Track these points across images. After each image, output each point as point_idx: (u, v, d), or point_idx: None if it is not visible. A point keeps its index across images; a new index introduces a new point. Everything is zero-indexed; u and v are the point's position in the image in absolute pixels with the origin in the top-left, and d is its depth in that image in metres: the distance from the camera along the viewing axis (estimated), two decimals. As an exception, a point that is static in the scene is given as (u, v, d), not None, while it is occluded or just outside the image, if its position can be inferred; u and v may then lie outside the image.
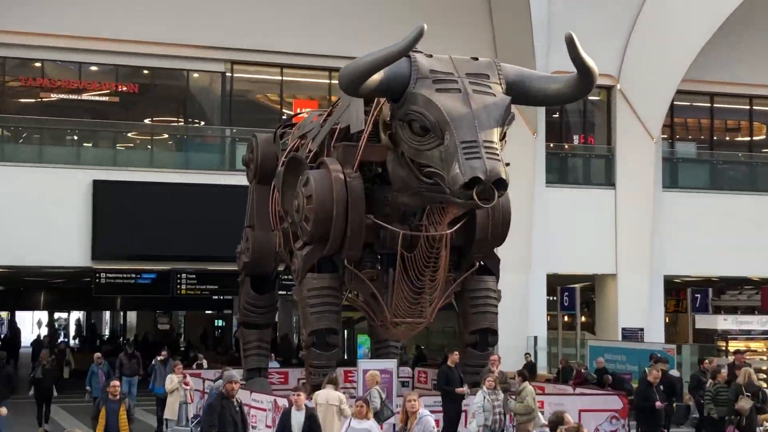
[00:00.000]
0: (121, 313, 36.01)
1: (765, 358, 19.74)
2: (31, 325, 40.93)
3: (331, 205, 12.55)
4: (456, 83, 10.81)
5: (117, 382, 11.12)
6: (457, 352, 14.24)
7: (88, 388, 16.95)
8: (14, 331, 33.99)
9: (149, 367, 17.76)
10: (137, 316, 34.28)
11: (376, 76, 10.55)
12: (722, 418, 13.39)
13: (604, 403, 13.61)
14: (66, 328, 40.55)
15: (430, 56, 11.27)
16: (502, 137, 10.33)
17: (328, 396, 11.46)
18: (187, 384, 15.07)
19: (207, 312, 31.04)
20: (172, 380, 14.84)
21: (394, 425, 11.82)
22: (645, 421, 12.71)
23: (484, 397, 11.58)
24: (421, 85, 10.85)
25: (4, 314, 39.82)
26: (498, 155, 9.92)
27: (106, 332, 38.29)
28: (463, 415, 12.84)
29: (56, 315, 39.69)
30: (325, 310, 13.01)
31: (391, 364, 14.55)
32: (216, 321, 31.73)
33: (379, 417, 11.40)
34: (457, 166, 9.92)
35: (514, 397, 12.30)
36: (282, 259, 14.96)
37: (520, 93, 11.19)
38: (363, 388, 12.20)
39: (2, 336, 33.58)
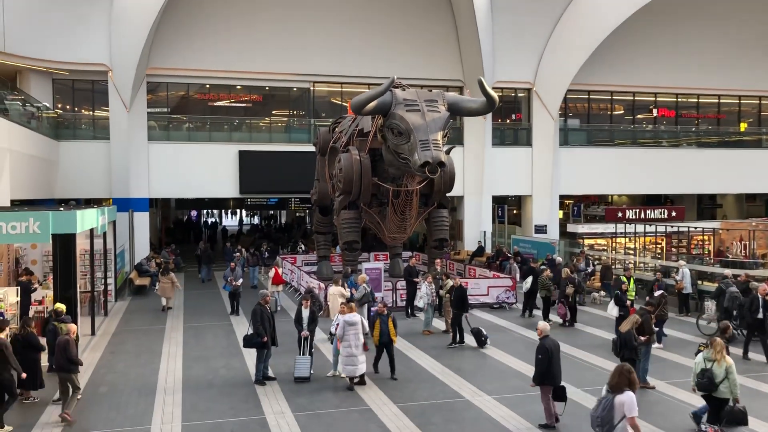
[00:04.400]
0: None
1: (606, 249, 27.88)
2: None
3: (352, 173, 18.51)
4: (418, 106, 15.80)
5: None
6: (415, 258, 21.96)
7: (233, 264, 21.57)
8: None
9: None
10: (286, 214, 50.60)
11: (372, 104, 15.88)
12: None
13: (503, 281, 21.28)
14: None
15: (404, 89, 16.87)
16: (445, 135, 15.85)
17: (336, 289, 16.44)
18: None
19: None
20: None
21: (369, 310, 15.80)
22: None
23: (426, 287, 17.13)
24: (397, 108, 15.82)
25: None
26: (440, 148, 14.94)
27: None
28: (417, 291, 17.97)
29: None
30: (351, 230, 19.49)
31: (380, 264, 21.43)
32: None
33: (364, 302, 16.08)
34: (416, 155, 14.96)
35: (441, 286, 17.52)
36: (332, 198, 21.59)
37: (455, 110, 16.72)
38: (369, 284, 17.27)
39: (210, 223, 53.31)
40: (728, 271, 18.81)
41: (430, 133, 15.26)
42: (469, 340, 16.20)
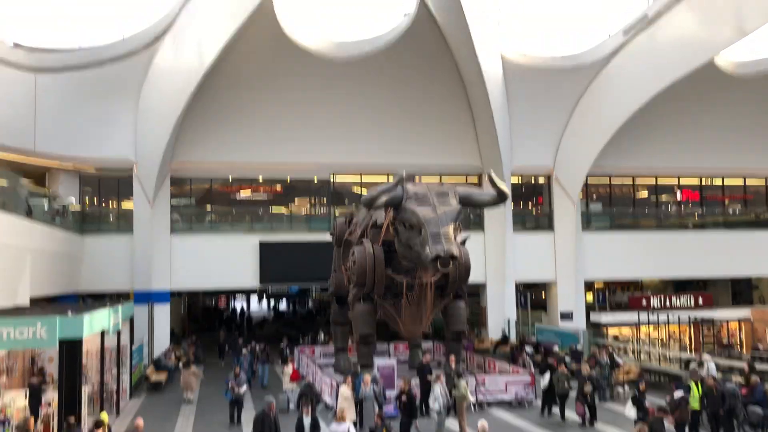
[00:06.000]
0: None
1: (629, 339, 27.42)
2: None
3: (365, 265, 18.55)
4: (429, 200, 16.05)
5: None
6: (428, 355, 20.29)
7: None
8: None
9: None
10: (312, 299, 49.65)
11: (383, 198, 16.17)
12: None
13: (521, 377, 20.55)
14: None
15: (415, 183, 17.60)
16: (457, 228, 15.99)
17: (344, 390, 16.45)
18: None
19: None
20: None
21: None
22: None
23: (439, 387, 16.45)
24: (408, 201, 16.06)
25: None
26: (452, 241, 14.99)
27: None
28: (431, 392, 16.95)
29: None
30: (365, 323, 19.34)
31: (393, 361, 20.52)
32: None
33: (380, 403, 15.96)
34: (428, 248, 14.98)
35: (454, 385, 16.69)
36: (348, 290, 20.88)
37: (467, 203, 16.77)
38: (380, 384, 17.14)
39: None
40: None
41: (442, 227, 15.27)
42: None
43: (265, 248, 30.29)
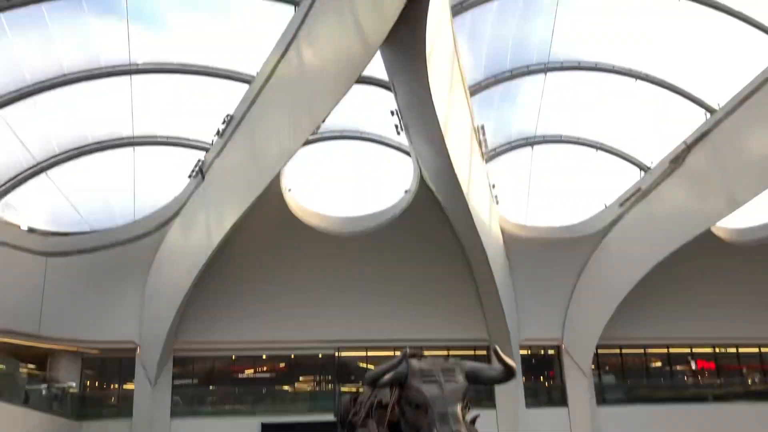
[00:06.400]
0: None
1: None
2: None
3: None
4: (434, 377, 13.87)
5: None
6: None
7: None
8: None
9: None
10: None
11: (386, 377, 14.22)
12: None
13: None
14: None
15: (420, 359, 15.08)
16: (465, 406, 14.12)
17: None
18: None
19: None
20: None
21: None
22: None
23: None
24: (413, 379, 14.05)
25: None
26: (460, 422, 12.97)
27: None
28: None
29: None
30: None
31: None
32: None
33: None
34: (435, 430, 12.92)
35: None
36: None
37: (474, 379, 14.12)
38: None
39: None
40: None
41: (449, 406, 14.00)
42: None
43: (266, 429, 29.14)
